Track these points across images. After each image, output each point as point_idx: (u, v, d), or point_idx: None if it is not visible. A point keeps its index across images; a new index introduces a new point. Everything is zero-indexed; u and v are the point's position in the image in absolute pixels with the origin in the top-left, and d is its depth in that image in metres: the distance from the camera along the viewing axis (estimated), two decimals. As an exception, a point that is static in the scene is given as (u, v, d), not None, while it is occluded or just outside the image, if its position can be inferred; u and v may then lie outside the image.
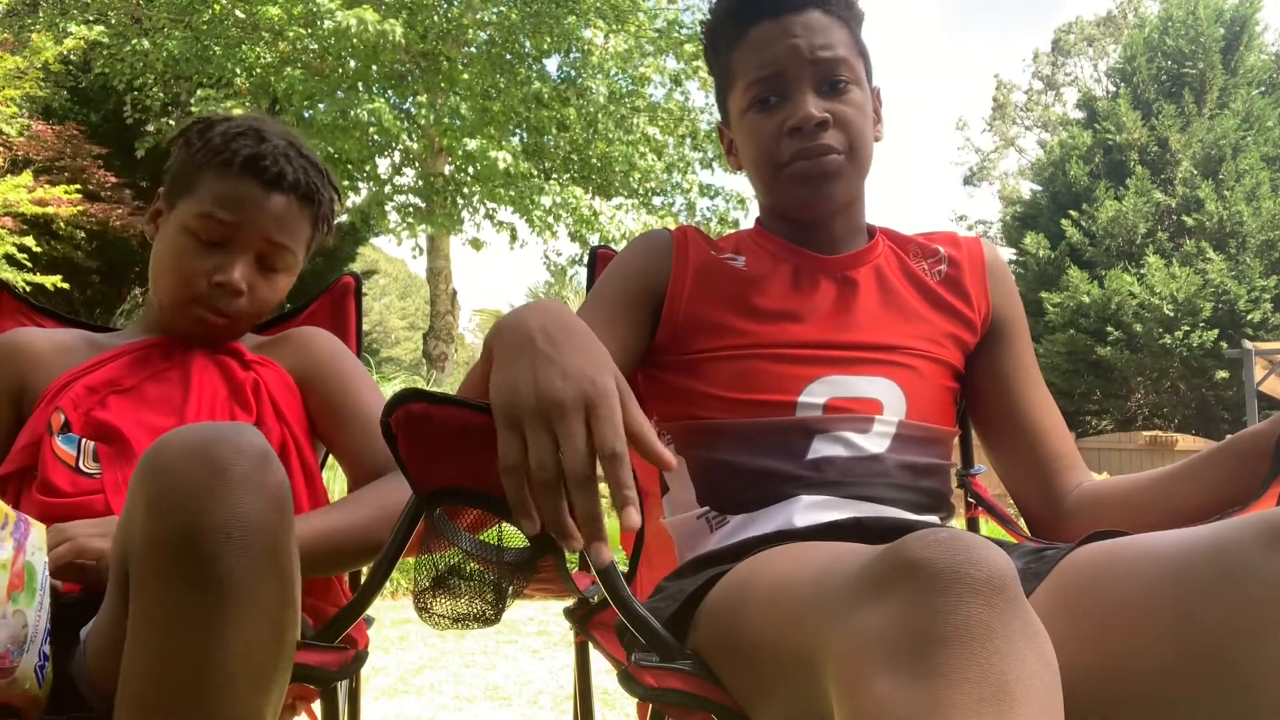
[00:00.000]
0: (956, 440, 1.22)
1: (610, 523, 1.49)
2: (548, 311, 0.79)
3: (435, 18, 11.04)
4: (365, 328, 1.51)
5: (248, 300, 1.17)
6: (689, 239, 1.17)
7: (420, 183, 11.80)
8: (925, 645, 0.54)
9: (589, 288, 1.57)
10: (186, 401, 1.12)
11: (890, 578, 0.57)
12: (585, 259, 1.49)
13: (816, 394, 1.06)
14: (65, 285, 6.82)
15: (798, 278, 1.13)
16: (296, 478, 1.13)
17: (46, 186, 6.94)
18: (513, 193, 10.83)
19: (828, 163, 1.08)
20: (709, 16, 1.18)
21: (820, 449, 1.04)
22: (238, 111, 10.22)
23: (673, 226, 1.21)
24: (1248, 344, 10.83)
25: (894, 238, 1.20)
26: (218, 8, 10.62)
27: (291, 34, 10.53)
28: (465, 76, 11.12)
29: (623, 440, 0.68)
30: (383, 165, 12.19)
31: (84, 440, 1.08)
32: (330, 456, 1.30)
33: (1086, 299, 14.84)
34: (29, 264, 6.90)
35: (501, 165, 10.20)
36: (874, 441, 1.05)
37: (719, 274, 1.13)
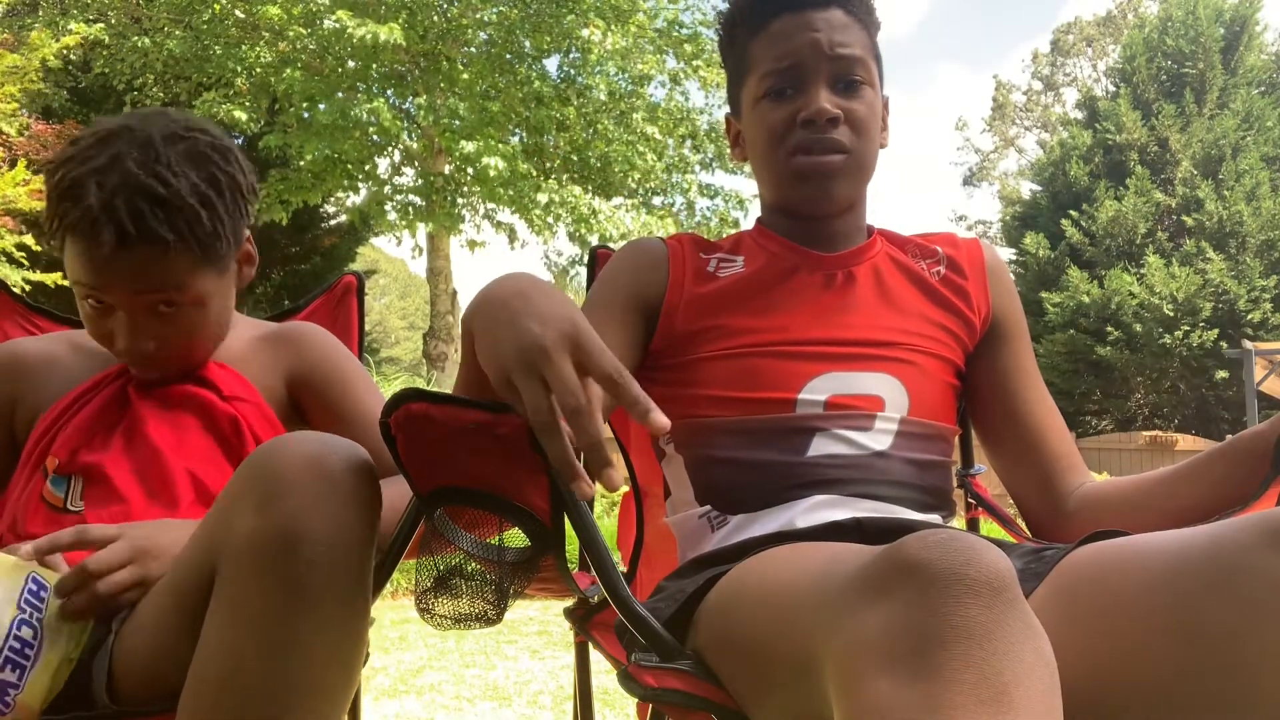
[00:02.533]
0: (956, 439, 1.22)
1: (608, 523, 1.48)
2: (515, 277, 0.80)
3: (435, 18, 11.04)
4: (365, 327, 1.50)
5: (163, 352, 1.09)
6: (685, 250, 1.16)
7: (420, 182, 11.80)
8: (924, 646, 0.54)
9: (589, 287, 1.56)
10: (165, 443, 1.10)
11: (889, 579, 0.58)
12: (585, 259, 1.48)
13: (817, 390, 1.06)
14: (65, 283, 6.82)
15: (797, 275, 1.13)
16: None
17: (44, 177, 6.92)
18: (511, 193, 10.83)
19: (831, 162, 1.08)
20: (728, 5, 1.18)
21: (820, 446, 1.04)
22: (239, 114, 10.24)
23: (672, 226, 1.23)
24: (1248, 344, 10.82)
25: (892, 238, 1.20)
26: (217, 7, 10.62)
27: (291, 34, 10.54)
28: (465, 76, 11.12)
29: (617, 362, 0.71)
30: (382, 165, 12.20)
31: (73, 478, 1.07)
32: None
33: (1086, 299, 14.84)
34: (27, 262, 6.89)
35: (492, 173, 10.20)
36: (876, 439, 1.05)
37: (715, 286, 1.13)
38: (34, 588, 0.88)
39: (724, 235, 1.22)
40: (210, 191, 1.05)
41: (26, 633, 0.85)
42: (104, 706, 0.85)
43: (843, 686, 0.58)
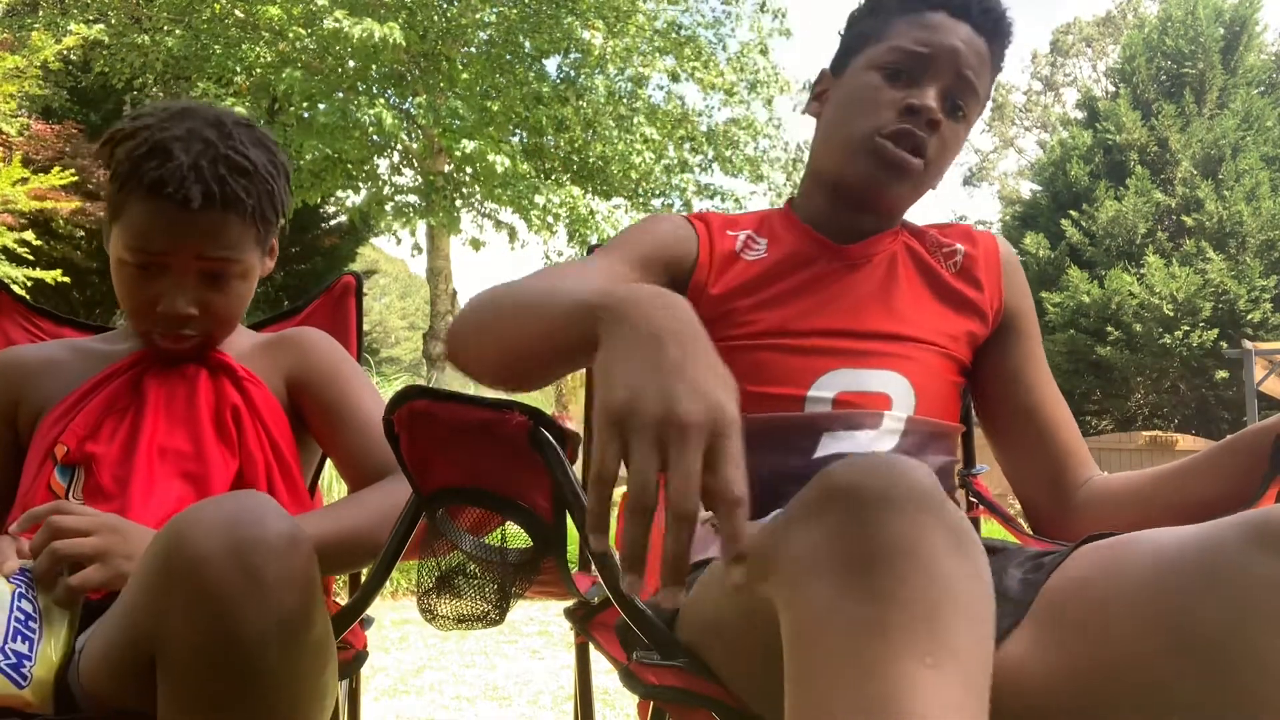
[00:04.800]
0: (959, 438, 1.22)
1: (610, 524, 1.46)
2: (675, 309, 0.67)
3: (435, 18, 11.04)
4: (365, 328, 1.51)
5: (203, 319, 1.14)
6: (711, 229, 1.15)
7: (420, 181, 11.80)
8: (856, 564, 0.57)
9: None
10: (168, 442, 1.11)
11: (821, 503, 0.60)
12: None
13: (826, 387, 1.06)
14: (65, 279, 6.82)
15: (814, 266, 1.12)
16: (282, 501, 1.13)
17: (41, 175, 6.93)
18: (510, 193, 10.83)
19: (910, 162, 1.07)
20: None
21: (828, 446, 1.03)
22: (239, 110, 10.32)
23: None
24: (1248, 344, 10.82)
25: (912, 229, 1.19)
26: (217, 7, 10.62)
27: (291, 34, 10.54)
28: (465, 76, 11.12)
29: (745, 483, 0.59)
30: (382, 165, 12.20)
31: (77, 469, 1.08)
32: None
33: (1086, 299, 14.84)
34: (30, 258, 6.90)
35: (499, 169, 10.20)
36: (882, 438, 1.05)
37: (739, 268, 1.12)
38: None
39: (750, 211, 1.21)
40: (275, 172, 1.14)
41: (26, 606, 0.85)
42: (87, 709, 0.85)
43: (785, 599, 0.60)
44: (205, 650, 0.72)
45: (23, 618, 0.84)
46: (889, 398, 1.06)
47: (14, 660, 0.81)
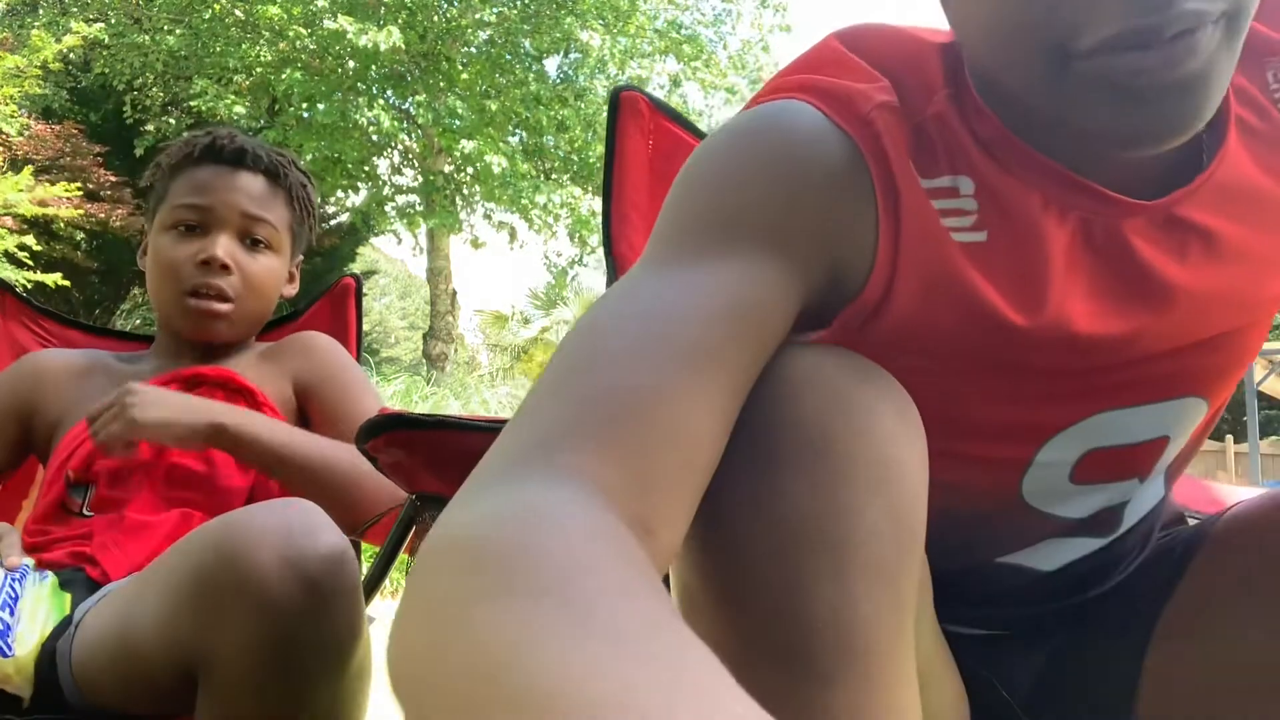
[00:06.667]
0: None
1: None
2: None
3: (435, 18, 11.06)
4: (365, 328, 1.52)
5: (238, 279, 1.17)
6: (887, 153, 0.55)
7: (420, 181, 11.82)
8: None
9: (609, 136, 1.19)
10: (180, 457, 1.11)
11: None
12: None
13: (1069, 445, 0.62)
14: (66, 283, 6.84)
15: (1085, 240, 0.58)
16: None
17: (46, 185, 6.96)
18: (510, 193, 10.86)
19: (1186, 49, 0.47)
20: None
21: (1052, 554, 0.67)
22: (239, 109, 10.27)
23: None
24: (1248, 344, 10.80)
25: (1250, 64, 0.60)
26: (217, 7, 10.63)
27: (291, 34, 10.56)
28: (464, 76, 11.14)
29: None
30: (382, 165, 12.22)
31: (90, 487, 1.10)
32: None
33: (1086, 299, 14.86)
34: (30, 262, 6.91)
35: (497, 170, 10.22)
36: (1129, 511, 0.68)
37: (944, 254, 0.56)
38: None
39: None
40: (307, 178, 1.27)
41: (15, 588, 0.86)
42: (77, 705, 0.84)
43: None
44: (263, 663, 0.71)
45: (13, 596, 0.85)
46: (1166, 439, 0.65)
47: (1, 627, 0.81)
